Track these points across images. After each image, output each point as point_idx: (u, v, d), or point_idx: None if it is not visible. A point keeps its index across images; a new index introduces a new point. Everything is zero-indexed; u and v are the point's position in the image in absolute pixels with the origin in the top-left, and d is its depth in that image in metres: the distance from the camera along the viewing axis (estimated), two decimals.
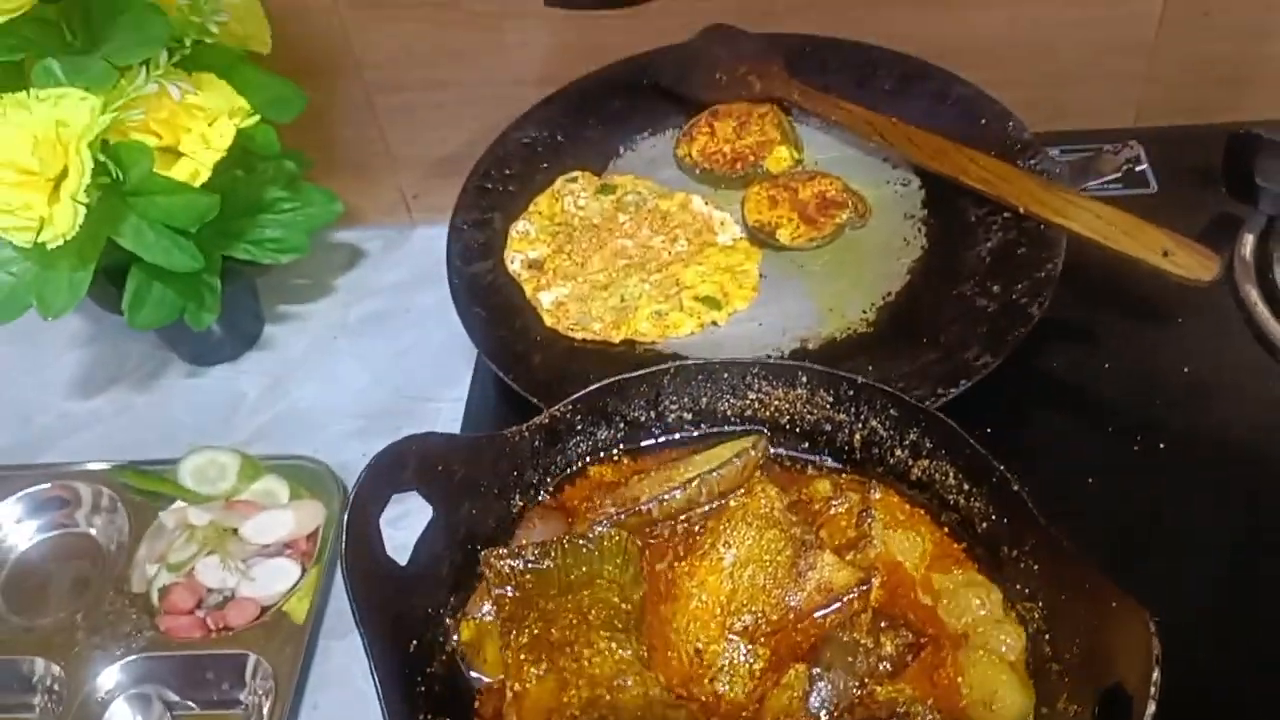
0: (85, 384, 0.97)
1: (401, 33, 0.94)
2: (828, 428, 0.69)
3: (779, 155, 0.91)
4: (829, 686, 0.58)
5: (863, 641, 0.60)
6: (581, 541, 0.62)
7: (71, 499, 0.86)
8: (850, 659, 0.59)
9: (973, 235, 0.85)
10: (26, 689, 0.78)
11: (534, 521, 0.67)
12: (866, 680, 0.59)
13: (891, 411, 0.66)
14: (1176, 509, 0.74)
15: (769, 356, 0.79)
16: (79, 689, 0.75)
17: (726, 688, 0.60)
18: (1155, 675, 0.49)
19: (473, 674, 0.62)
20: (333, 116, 0.99)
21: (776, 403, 0.69)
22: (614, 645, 0.60)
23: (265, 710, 0.73)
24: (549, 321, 0.85)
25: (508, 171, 0.93)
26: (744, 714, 0.60)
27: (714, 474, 0.65)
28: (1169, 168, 0.95)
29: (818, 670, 0.59)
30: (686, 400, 0.70)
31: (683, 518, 0.66)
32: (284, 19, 0.87)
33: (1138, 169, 0.93)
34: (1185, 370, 0.82)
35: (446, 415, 0.89)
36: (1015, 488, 0.60)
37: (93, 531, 0.86)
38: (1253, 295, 0.84)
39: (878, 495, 0.67)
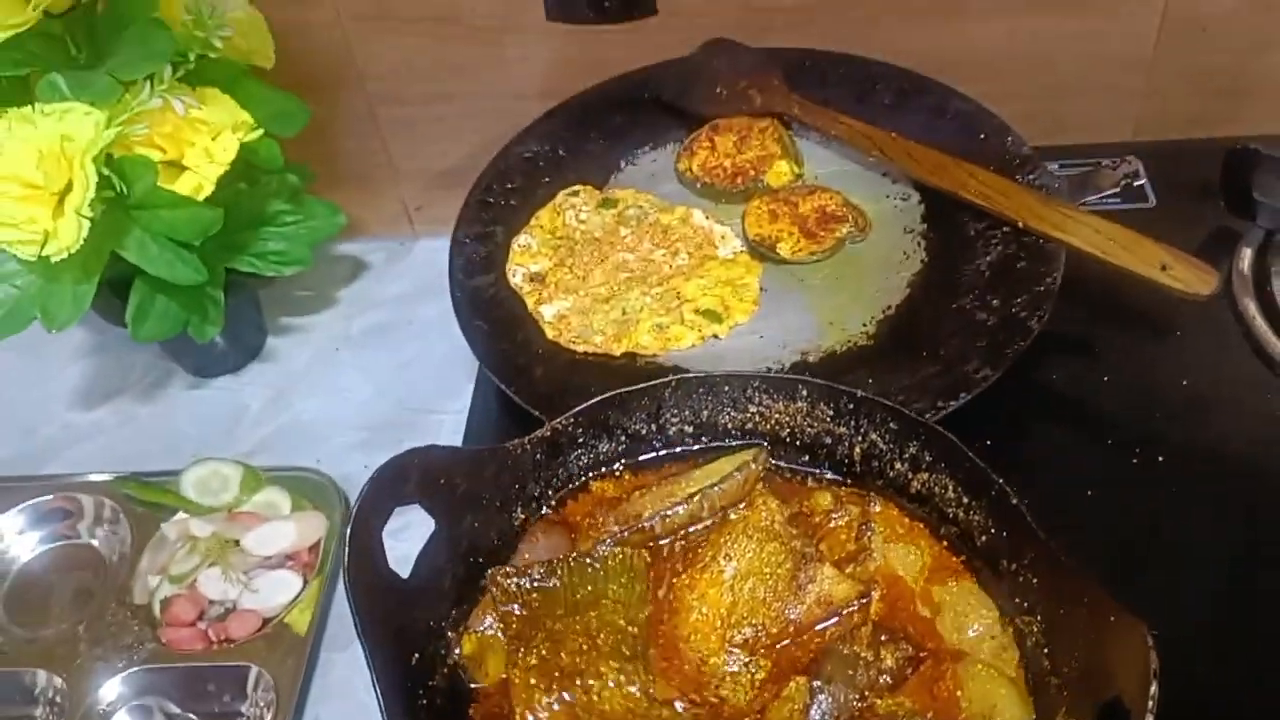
0: (88, 395, 0.97)
1: (404, 46, 0.95)
2: (828, 441, 0.69)
3: (779, 170, 0.92)
4: (829, 699, 0.58)
5: (863, 654, 0.60)
6: (588, 560, 0.63)
7: (74, 510, 0.86)
8: (850, 672, 0.59)
9: (972, 249, 0.85)
10: (29, 701, 0.78)
11: (536, 536, 0.67)
12: (867, 693, 0.59)
13: (891, 425, 0.66)
14: (1175, 522, 0.74)
15: (769, 369, 0.79)
16: (81, 701, 0.75)
17: (729, 693, 0.61)
18: (1154, 689, 0.49)
19: (474, 687, 0.62)
20: (335, 130, 0.99)
21: (777, 416, 0.70)
22: (622, 679, 0.60)
23: None
24: (550, 334, 0.85)
25: (510, 185, 0.94)
26: None
27: (715, 489, 0.65)
28: (1167, 182, 0.95)
29: (818, 683, 0.59)
30: (688, 413, 0.70)
31: (683, 533, 0.66)
32: (287, 34, 0.87)
33: (1136, 184, 0.94)
34: (1184, 384, 0.82)
35: (448, 427, 0.90)
36: (1014, 501, 0.61)
37: (95, 543, 0.86)
38: (1251, 309, 0.85)
39: (877, 508, 0.67)
